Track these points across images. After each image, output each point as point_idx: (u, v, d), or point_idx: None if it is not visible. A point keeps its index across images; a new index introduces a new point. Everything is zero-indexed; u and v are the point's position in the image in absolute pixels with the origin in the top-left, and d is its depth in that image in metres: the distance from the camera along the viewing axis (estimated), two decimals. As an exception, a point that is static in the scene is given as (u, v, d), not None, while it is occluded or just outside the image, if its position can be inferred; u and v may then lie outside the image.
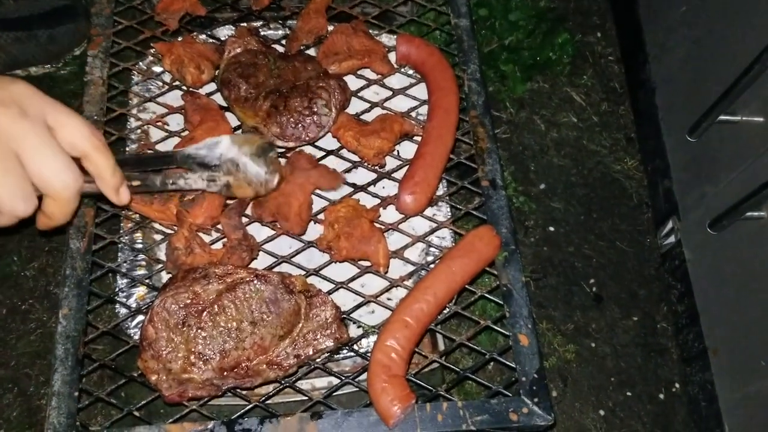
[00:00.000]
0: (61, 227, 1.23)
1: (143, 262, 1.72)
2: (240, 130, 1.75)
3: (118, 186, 1.19)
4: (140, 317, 1.64)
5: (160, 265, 1.64)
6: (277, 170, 1.55)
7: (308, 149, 1.74)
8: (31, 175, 1.04)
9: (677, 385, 2.39)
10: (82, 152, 1.11)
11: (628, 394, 2.37)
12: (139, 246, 1.69)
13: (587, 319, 2.46)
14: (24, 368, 2.25)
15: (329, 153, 1.74)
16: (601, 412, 2.33)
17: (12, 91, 1.04)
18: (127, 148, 1.79)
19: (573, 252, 2.57)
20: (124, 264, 1.65)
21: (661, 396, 2.37)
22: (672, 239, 2.43)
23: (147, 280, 1.64)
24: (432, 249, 1.73)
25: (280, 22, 1.96)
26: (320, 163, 1.68)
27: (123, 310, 1.64)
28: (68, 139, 1.08)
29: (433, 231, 1.68)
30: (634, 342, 2.44)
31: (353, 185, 1.70)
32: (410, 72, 1.90)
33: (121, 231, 1.70)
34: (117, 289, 1.65)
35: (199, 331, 1.43)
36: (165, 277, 1.69)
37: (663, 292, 2.50)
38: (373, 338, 1.60)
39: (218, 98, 1.78)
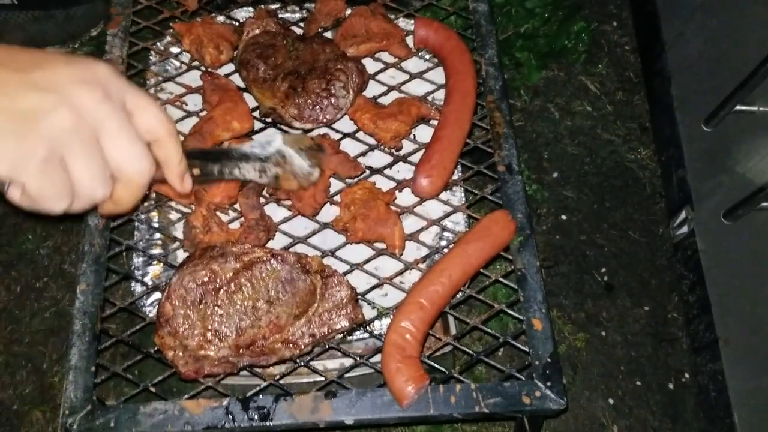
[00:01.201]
0: (122, 214, 1.22)
1: (159, 241, 1.73)
2: (257, 111, 1.75)
3: (183, 173, 1.18)
4: (155, 295, 1.65)
5: (177, 244, 1.65)
6: (318, 164, 1.58)
7: (325, 131, 1.74)
8: (108, 159, 1.02)
9: (687, 375, 2.39)
10: (157, 137, 1.10)
11: (638, 383, 2.37)
12: (156, 225, 1.70)
13: (598, 308, 2.46)
14: (38, 345, 2.27)
15: (346, 135, 1.75)
16: (611, 401, 2.34)
17: (96, 73, 1.01)
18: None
19: (585, 240, 2.57)
20: (140, 242, 1.67)
21: (671, 385, 2.38)
22: (685, 229, 2.43)
23: (164, 259, 1.65)
24: (445, 233, 1.74)
25: (298, 4, 1.96)
26: (342, 150, 1.69)
27: (138, 288, 1.65)
28: (146, 124, 1.07)
29: (448, 215, 1.68)
30: (644, 331, 2.44)
31: (369, 168, 1.71)
32: (426, 56, 1.90)
33: (138, 209, 1.71)
34: (132, 267, 1.66)
35: (215, 308, 1.44)
36: (181, 255, 1.70)
37: (674, 282, 2.50)
38: (386, 320, 1.61)
39: (236, 79, 1.79)
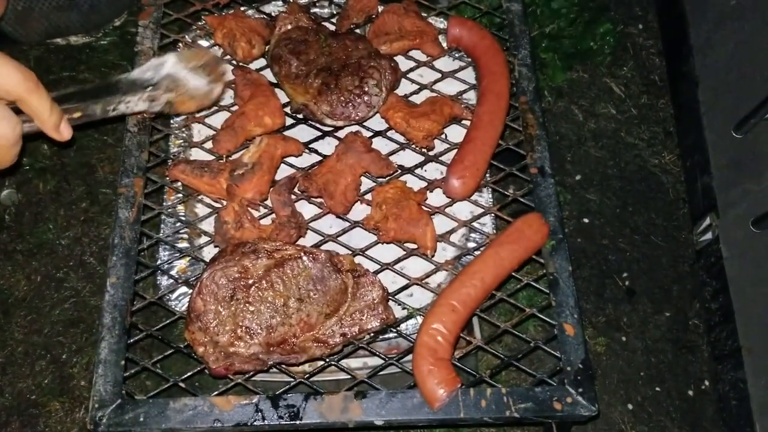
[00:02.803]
0: (10, 168, 1.26)
1: (185, 235, 1.72)
2: (289, 108, 1.74)
3: (57, 124, 1.22)
4: (181, 289, 1.64)
5: (204, 239, 1.64)
6: (219, 79, 1.50)
7: (356, 129, 1.73)
8: None
9: (707, 383, 2.38)
10: (16, 97, 1.15)
11: (657, 389, 2.36)
12: (183, 218, 1.69)
13: (619, 313, 2.45)
14: (57, 336, 2.26)
15: (377, 133, 1.73)
16: (630, 406, 2.32)
17: None
18: (172, 121, 1.79)
19: (607, 245, 2.55)
20: (168, 237, 1.65)
21: (690, 392, 2.36)
22: (709, 236, 2.41)
23: (192, 253, 1.63)
24: (473, 234, 1.72)
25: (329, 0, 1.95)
26: (374, 148, 1.67)
27: (165, 282, 1.64)
28: (2, 87, 1.12)
29: (479, 216, 1.67)
30: (665, 337, 2.43)
31: (401, 167, 1.70)
32: (457, 55, 1.89)
33: (164, 203, 1.70)
34: (159, 261, 1.65)
35: (246, 305, 1.43)
36: (208, 250, 1.69)
37: (696, 289, 2.48)
38: (412, 320, 1.60)
39: (267, 74, 1.78)
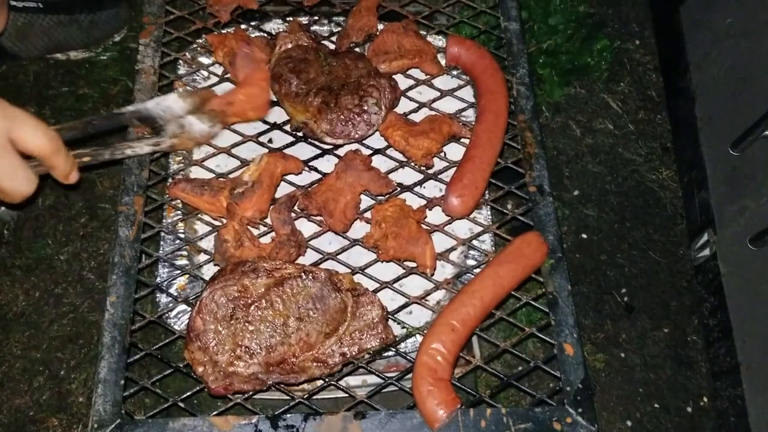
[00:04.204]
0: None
1: (184, 252, 1.73)
2: (288, 126, 1.75)
3: (69, 173, 1.41)
4: (180, 307, 1.64)
5: (203, 256, 1.65)
6: (218, 119, 1.61)
7: (356, 147, 1.73)
8: None
9: (705, 399, 2.37)
10: (41, 156, 1.35)
11: (656, 405, 2.35)
12: (182, 236, 1.69)
13: (618, 329, 2.45)
14: (56, 352, 2.25)
15: (376, 152, 1.74)
16: (629, 423, 2.32)
17: None
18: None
19: (605, 260, 2.55)
20: (168, 254, 1.66)
21: (689, 409, 2.36)
22: (707, 252, 2.41)
23: (191, 270, 1.64)
24: (472, 252, 1.73)
25: (328, 18, 1.96)
26: (374, 166, 1.68)
27: (164, 299, 1.64)
28: (29, 149, 1.33)
29: (478, 234, 1.68)
30: (663, 354, 2.42)
31: (399, 185, 1.70)
32: (455, 73, 1.90)
33: (164, 220, 1.71)
34: (158, 279, 1.65)
35: (246, 324, 1.43)
36: (208, 268, 1.70)
37: (695, 305, 2.48)
38: (411, 339, 1.60)
39: (267, 92, 1.78)
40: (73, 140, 1.46)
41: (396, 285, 1.59)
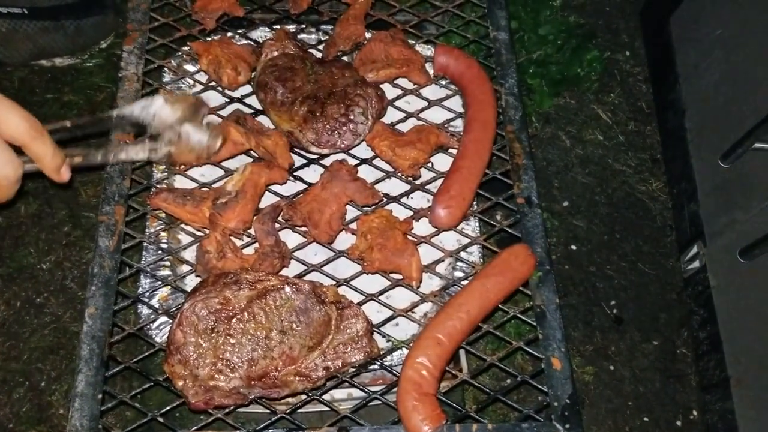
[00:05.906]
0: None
1: (167, 263, 1.69)
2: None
3: (58, 167, 1.29)
4: (161, 319, 1.61)
5: (186, 267, 1.61)
6: (219, 133, 1.53)
7: (342, 157, 1.71)
8: None
9: (695, 413, 2.36)
10: (21, 143, 1.21)
11: (645, 419, 2.34)
12: (164, 246, 1.66)
13: (607, 341, 2.43)
14: (36, 363, 2.22)
15: (363, 162, 1.72)
16: (618, 436, 2.30)
17: None
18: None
19: (594, 272, 2.54)
20: (149, 265, 1.63)
21: (678, 423, 2.34)
22: (696, 264, 2.40)
23: (172, 282, 1.60)
24: (459, 264, 1.71)
25: (316, 26, 1.94)
26: (359, 177, 1.65)
27: (145, 311, 1.61)
28: (8, 133, 1.19)
29: (466, 246, 1.65)
30: (653, 366, 2.41)
31: (386, 195, 1.68)
32: (444, 83, 1.88)
33: (147, 230, 1.68)
34: (140, 290, 1.62)
35: (227, 337, 1.40)
36: (189, 279, 1.67)
37: (684, 317, 2.47)
38: (398, 352, 1.58)
39: (253, 101, 1.76)
40: (58, 142, 1.40)
41: (382, 297, 1.57)
